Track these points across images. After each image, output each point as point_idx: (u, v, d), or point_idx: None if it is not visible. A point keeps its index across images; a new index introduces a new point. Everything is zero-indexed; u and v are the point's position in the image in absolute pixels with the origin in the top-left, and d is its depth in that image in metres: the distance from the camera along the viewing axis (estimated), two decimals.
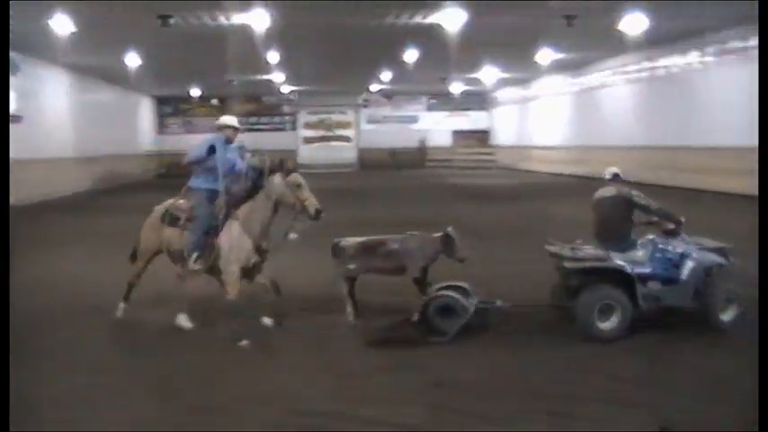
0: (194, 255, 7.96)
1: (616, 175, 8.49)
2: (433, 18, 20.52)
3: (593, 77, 33.52)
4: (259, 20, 19.53)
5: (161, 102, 46.44)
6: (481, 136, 49.75)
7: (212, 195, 8.10)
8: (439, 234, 8.29)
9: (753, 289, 7.20)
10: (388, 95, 47.48)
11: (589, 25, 21.40)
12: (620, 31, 21.92)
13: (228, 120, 8.53)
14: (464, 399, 6.01)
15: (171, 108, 47.02)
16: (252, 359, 7.15)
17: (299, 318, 8.38)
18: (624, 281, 7.59)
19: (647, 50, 27.05)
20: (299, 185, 7.90)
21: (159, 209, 8.49)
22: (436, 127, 49.35)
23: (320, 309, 8.82)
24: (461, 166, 44.33)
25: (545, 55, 28.68)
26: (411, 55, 27.18)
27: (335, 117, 48.94)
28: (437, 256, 8.27)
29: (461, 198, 24.46)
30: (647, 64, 28.59)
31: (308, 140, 48.29)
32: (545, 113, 40.39)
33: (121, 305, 8.54)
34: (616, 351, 7.15)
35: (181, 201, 8.37)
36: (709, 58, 24.50)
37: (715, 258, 7.91)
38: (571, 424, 5.53)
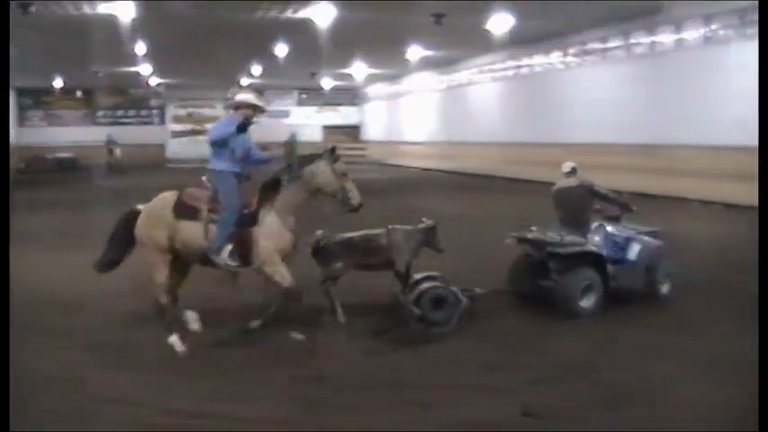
0: (226, 250, 7.11)
1: (574, 169, 9.16)
2: (304, 13, 20.46)
3: (461, 75, 34.22)
4: (125, 10, 18.99)
5: (21, 93, 44.27)
6: (352, 131, 49.99)
7: (239, 181, 7.31)
8: (422, 226, 8.29)
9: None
10: (258, 90, 46.96)
11: (457, 24, 21.80)
12: (487, 31, 22.47)
13: (248, 97, 7.69)
14: (333, 391, 6.00)
15: (32, 100, 44.95)
16: (118, 360, 6.88)
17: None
18: (598, 263, 8.21)
19: (513, 49, 27.80)
20: (345, 174, 7.55)
21: (165, 200, 7.32)
22: (307, 122, 49.26)
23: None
24: None
25: (414, 52, 29.07)
26: (281, 49, 27.00)
27: (205, 111, 47.99)
28: (420, 249, 8.27)
29: None
30: (511, 63, 29.40)
31: (177, 134, 47.06)
32: (415, 109, 40.91)
33: (190, 314, 7.57)
34: (485, 341, 7.32)
35: (192, 189, 7.34)
36: (570, 59, 25.44)
37: (655, 241, 8.78)
38: (437, 411, 5.60)
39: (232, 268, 7.20)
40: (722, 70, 18.55)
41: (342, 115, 50.28)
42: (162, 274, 7.22)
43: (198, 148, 46.34)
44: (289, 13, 20.60)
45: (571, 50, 25.32)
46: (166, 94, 45.86)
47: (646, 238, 8.76)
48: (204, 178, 7.38)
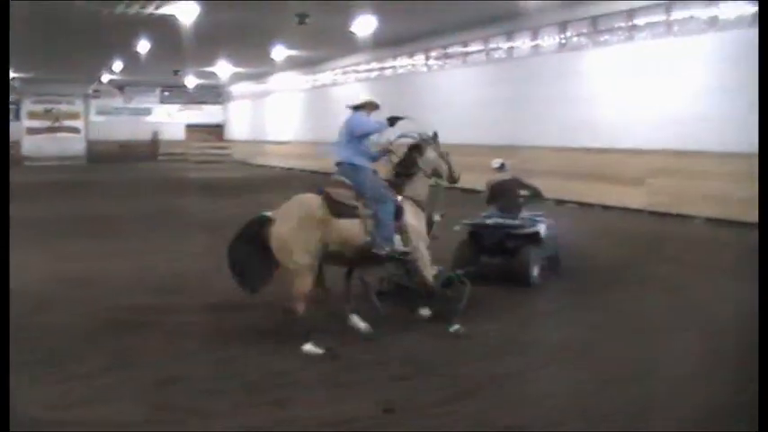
0: (396, 239, 7.22)
1: (503, 164, 10.50)
2: (167, 9, 19.95)
3: (325, 75, 34.24)
4: None
5: None
6: (216, 130, 49.18)
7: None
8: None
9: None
10: (119, 86, 45.58)
11: (321, 25, 21.80)
12: (351, 32, 22.58)
13: (371, 97, 7.88)
14: (189, 395, 5.83)
15: None
16: None
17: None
18: (537, 241, 9.58)
19: (377, 51, 28.04)
20: (447, 153, 8.22)
21: (310, 202, 7.04)
22: (170, 120, 48.10)
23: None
24: (196, 160, 43.45)
25: (279, 52, 28.91)
26: (144, 46, 26.27)
27: (63, 107, 46.11)
28: None
29: (191, 191, 24.07)
30: (375, 64, 29.65)
31: (33, 131, 45.01)
32: (279, 109, 40.67)
33: (354, 317, 7.39)
34: (343, 340, 7.18)
35: (335, 188, 7.19)
36: (432, 61, 25.89)
37: (550, 222, 10.13)
38: (294, 410, 5.55)
39: (399, 254, 7.29)
40: (576, 75, 19.37)
41: (206, 114, 49.30)
42: (309, 281, 6.89)
43: (56, 144, 44.79)
44: (151, 9, 20.04)
45: (433, 53, 25.77)
46: (21, 89, 43.61)
47: (546, 220, 10.07)
48: (338, 175, 7.41)
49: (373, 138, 7.77)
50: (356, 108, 7.77)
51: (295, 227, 6.86)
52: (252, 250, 7.06)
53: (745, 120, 14.76)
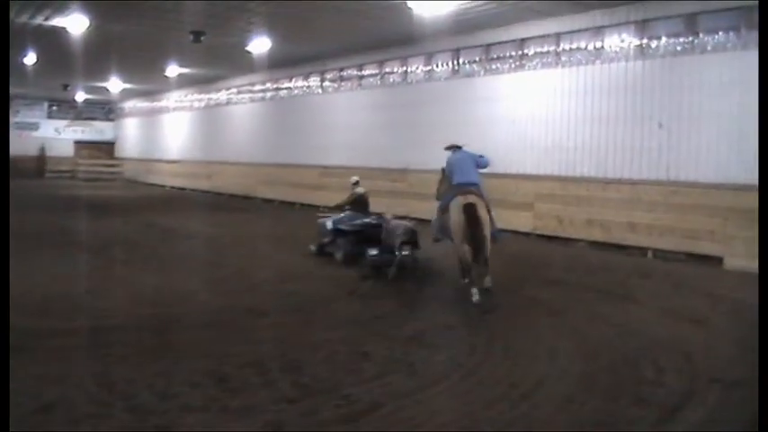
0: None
1: (357, 181, 14.67)
2: (56, 21, 19.39)
3: (220, 94, 33.90)
4: None
5: None
6: (106, 147, 47.86)
7: None
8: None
9: None
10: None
11: (217, 43, 21.65)
12: (247, 52, 22.48)
13: (455, 141, 11.69)
14: (69, 421, 5.56)
15: None
16: None
17: None
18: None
19: (272, 72, 28.01)
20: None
21: (476, 201, 10.19)
22: (58, 135, 46.57)
23: None
24: (85, 177, 42.23)
25: (173, 69, 28.53)
26: (31, 58, 25.44)
27: None
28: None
29: (78, 210, 23.38)
30: (270, 85, 29.58)
31: None
32: (172, 127, 39.96)
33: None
34: (222, 361, 7.17)
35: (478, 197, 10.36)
36: (327, 83, 26.00)
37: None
38: None
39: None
40: (469, 101, 19.81)
41: (96, 130, 47.87)
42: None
43: None
44: (40, 20, 19.44)
45: (329, 75, 25.90)
46: None
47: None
48: (474, 189, 10.44)
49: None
50: (455, 147, 11.40)
51: (478, 212, 10.10)
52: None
53: (626, 148, 15.59)
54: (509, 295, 10.46)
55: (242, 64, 26.02)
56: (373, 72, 23.78)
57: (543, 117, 17.68)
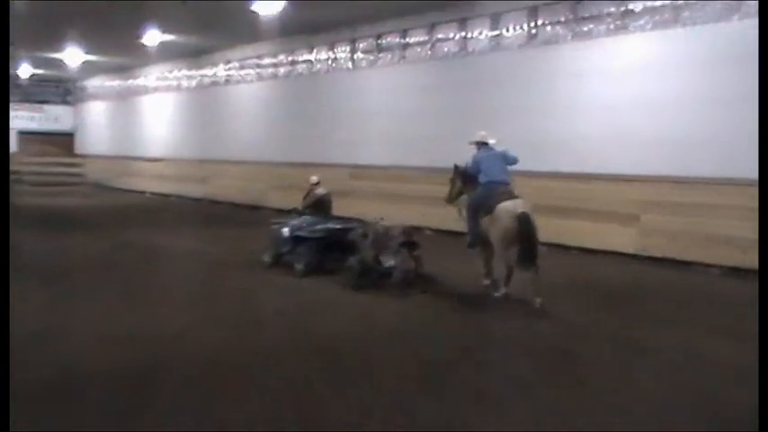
0: None
1: (318, 182, 17.27)
2: None
3: (216, 70, 34.23)
4: None
5: None
6: (63, 140, 48.44)
7: None
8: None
9: None
10: None
11: (211, 2, 22.03)
12: (253, 13, 22.62)
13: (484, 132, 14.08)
14: None
15: None
16: None
17: None
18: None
19: (288, 40, 28.42)
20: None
21: (529, 209, 12.46)
22: None
23: None
24: (34, 181, 42.34)
25: (152, 37, 28.98)
26: None
27: None
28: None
29: (25, 225, 23.63)
30: (284, 57, 29.91)
31: None
32: (153, 114, 40.60)
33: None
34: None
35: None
36: (360, 55, 26.17)
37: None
38: None
39: None
40: (548, 77, 20.09)
41: (48, 118, 48.74)
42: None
43: None
44: None
45: (362, 44, 26.30)
46: None
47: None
48: (511, 190, 12.83)
49: None
50: (483, 144, 13.71)
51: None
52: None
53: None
54: (607, 339, 10.59)
55: (246, 30, 26.27)
56: (421, 39, 24.04)
57: (653, 98, 17.61)
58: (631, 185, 17.77)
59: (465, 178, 13.86)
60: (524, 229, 12.07)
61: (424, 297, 13.12)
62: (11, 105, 46.30)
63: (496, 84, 21.30)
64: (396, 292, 13.28)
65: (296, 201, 22.04)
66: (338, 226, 15.73)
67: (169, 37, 29.47)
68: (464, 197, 13.93)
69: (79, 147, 48.47)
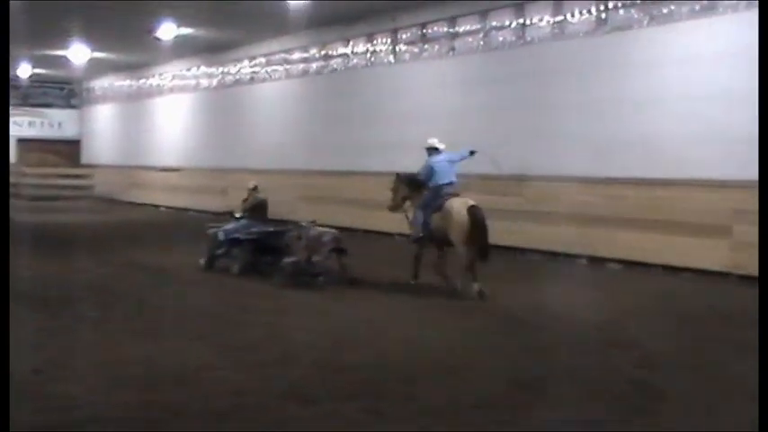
0: None
1: (256, 186, 19.71)
2: None
3: (240, 67, 34.28)
4: None
5: None
6: (68, 148, 48.71)
7: None
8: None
9: None
10: None
11: None
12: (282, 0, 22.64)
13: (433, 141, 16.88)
14: None
15: None
16: None
17: None
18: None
19: (321, 32, 28.28)
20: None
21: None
22: None
23: None
24: (34, 195, 42.58)
25: (167, 30, 29.03)
26: None
27: None
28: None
29: (24, 245, 23.57)
30: (316, 52, 29.83)
31: None
32: (168, 117, 40.70)
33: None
34: None
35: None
36: (403, 47, 26.07)
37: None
38: None
39: None
40: (620, 67, 19.80)
41: (50, 123, 48.99)
42: None
43: None
44: None
45: (404, 35, 26.16)
46: None
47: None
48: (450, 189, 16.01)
49: None
50: (434, 149, 16.61)
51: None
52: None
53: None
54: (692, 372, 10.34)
55: (273, 21, 26.28)
56: (472, 28, 23.87)
57: (745, 90, 17.20)
58: (721, 192, 17.44)
59: (411, 185, 16.98)
60: (476, 220, 15.07)
61: None
62: (12, 109, 46.70)
63: (559, 75, 21.19)
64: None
65: (332, 214, 22.28)
66: (272, 229, 18.76)
67: (186, 30, 29.57)
68: (408, 204, 17.14)
69: (85, 155, 48.77)
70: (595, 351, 11.36)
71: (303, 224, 17.60)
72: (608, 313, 13.61)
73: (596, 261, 19.12)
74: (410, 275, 16.40)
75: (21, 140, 47.53)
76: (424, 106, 25.02)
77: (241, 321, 13.44)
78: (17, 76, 42.92)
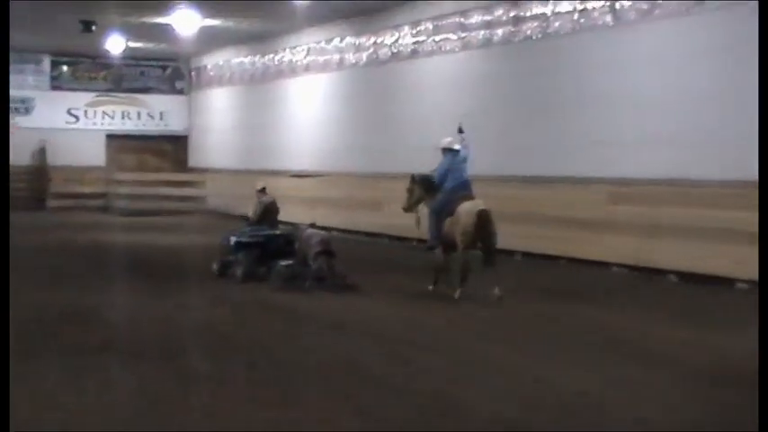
0: None
1: (264, 188, 23.93)
2: None
3: (400, 35, 33.89)
4: None
5: None
6: (172, 147, 49.49)
7: None
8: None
9: None
10: None
11: None
12: None
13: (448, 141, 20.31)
14: None
15: None
16: None
17: None
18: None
19: None
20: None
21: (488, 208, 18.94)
22: (73, 124, 48.23)
23: None
24: (129, 208, 42.98)
25: None
26: None
27: None
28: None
29: (117, 277, 23.58)
30: (504, 13, 29.19)
31: None
32: (306, 105, 40.89)
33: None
34: None
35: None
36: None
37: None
38: None
39: None
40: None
41: (151, 113, 49.60)
42: None
43: None
44: None
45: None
46: None
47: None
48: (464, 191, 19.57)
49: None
50: (449, 150, 19.87)
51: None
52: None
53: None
54: None
55: None
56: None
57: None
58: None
59: (426, 186, 20.29)
60: (484, 225, 18.61)
61: None
62: (96, 97, 46.99)
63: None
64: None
65: (536, 238, 22.32)
66: (278, 232, 22.84)
67: None
68: (422, 205, 20.54)
69: (194, 156, 49.26)
70: None
71: (299, 226, 22.01)
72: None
73: None
74: (450, 289, 19.42)
75: (111, 136, 48.04)
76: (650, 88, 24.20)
77: (418, 388, 12.67)
78: (107, 51, 43.08)
